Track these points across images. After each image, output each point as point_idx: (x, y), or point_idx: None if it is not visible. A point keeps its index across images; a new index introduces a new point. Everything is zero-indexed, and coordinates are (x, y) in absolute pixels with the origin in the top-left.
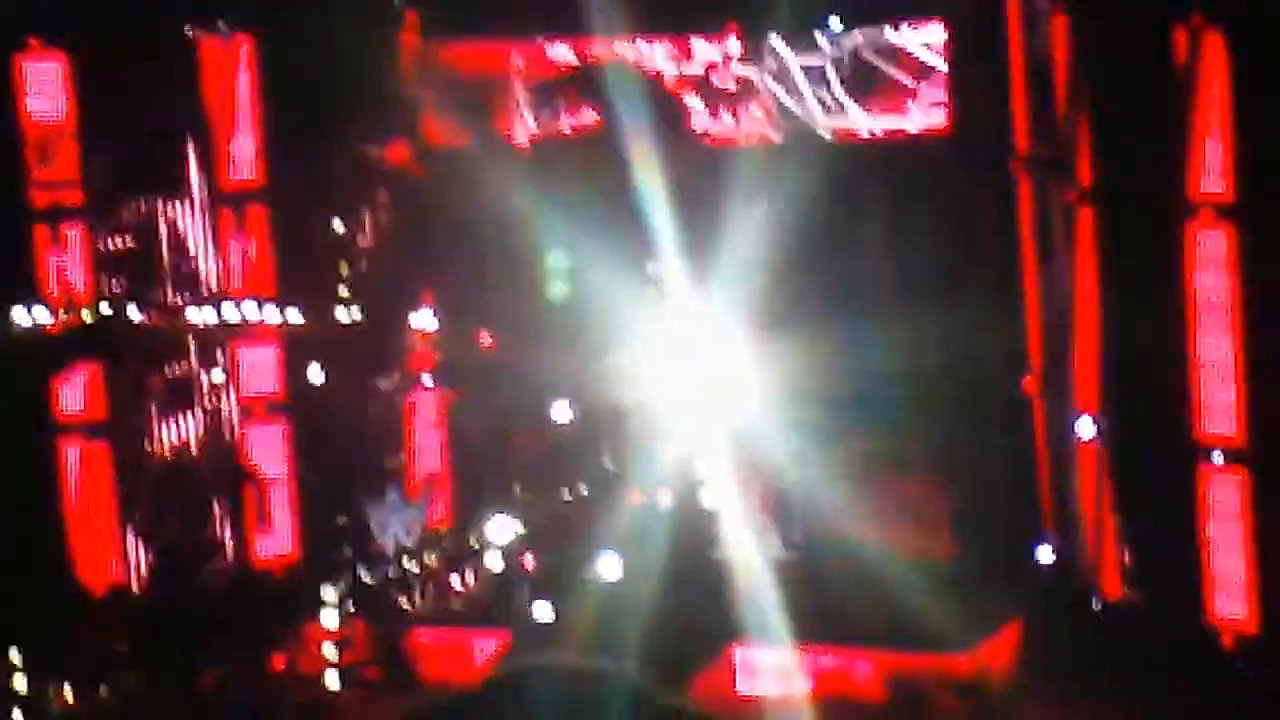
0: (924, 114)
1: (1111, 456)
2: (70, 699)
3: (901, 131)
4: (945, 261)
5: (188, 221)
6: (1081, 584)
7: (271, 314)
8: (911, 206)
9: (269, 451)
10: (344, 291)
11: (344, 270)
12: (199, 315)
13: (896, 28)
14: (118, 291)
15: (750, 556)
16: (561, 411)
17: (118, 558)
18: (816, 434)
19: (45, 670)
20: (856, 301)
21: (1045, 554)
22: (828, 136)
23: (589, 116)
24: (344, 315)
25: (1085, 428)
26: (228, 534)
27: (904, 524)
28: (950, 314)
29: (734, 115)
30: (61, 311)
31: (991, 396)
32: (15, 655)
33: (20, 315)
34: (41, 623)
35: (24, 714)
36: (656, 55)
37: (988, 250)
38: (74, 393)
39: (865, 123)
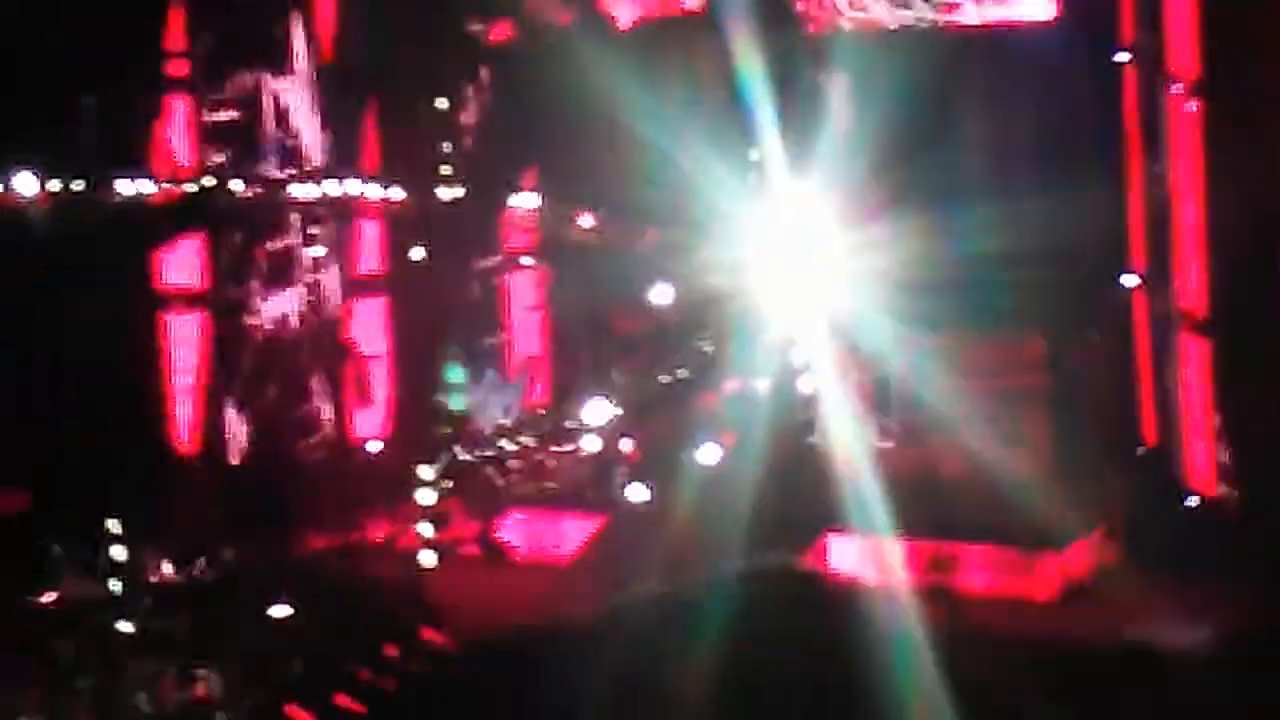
0: (1032, 2)
1: (1213, 352)
2: (168, 570)
3: (1008, 20)
4: (1049, 153)
5: (293, 96)
6: (1180, 479)
7: (374, 190)
8: (1016, 96)
9: (368, 328)
10: (446, 169)
11: (446, 148)
12: (302, 190)
13: None
14: (222, 164)
15: (849, 444)
16: (661, 295)
17: (217, 430)
18: (916, 322)
19: (143, 541)
20: (958, 190)
21: (1144, 449)
22: (934, 23)
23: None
24: (445, 193)
25: (1185, 323)
26: (326, 409)
27: (1003, 414)
28: (1053, 206)
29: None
30: (166, 183)
31: (1092, 290)
32: (114, 526)
33: (124, 186)
34: (140, 494)
35: (123, 585)
36: None
37: (1092, 142)
38: (176, 264)
39: (972, 11)
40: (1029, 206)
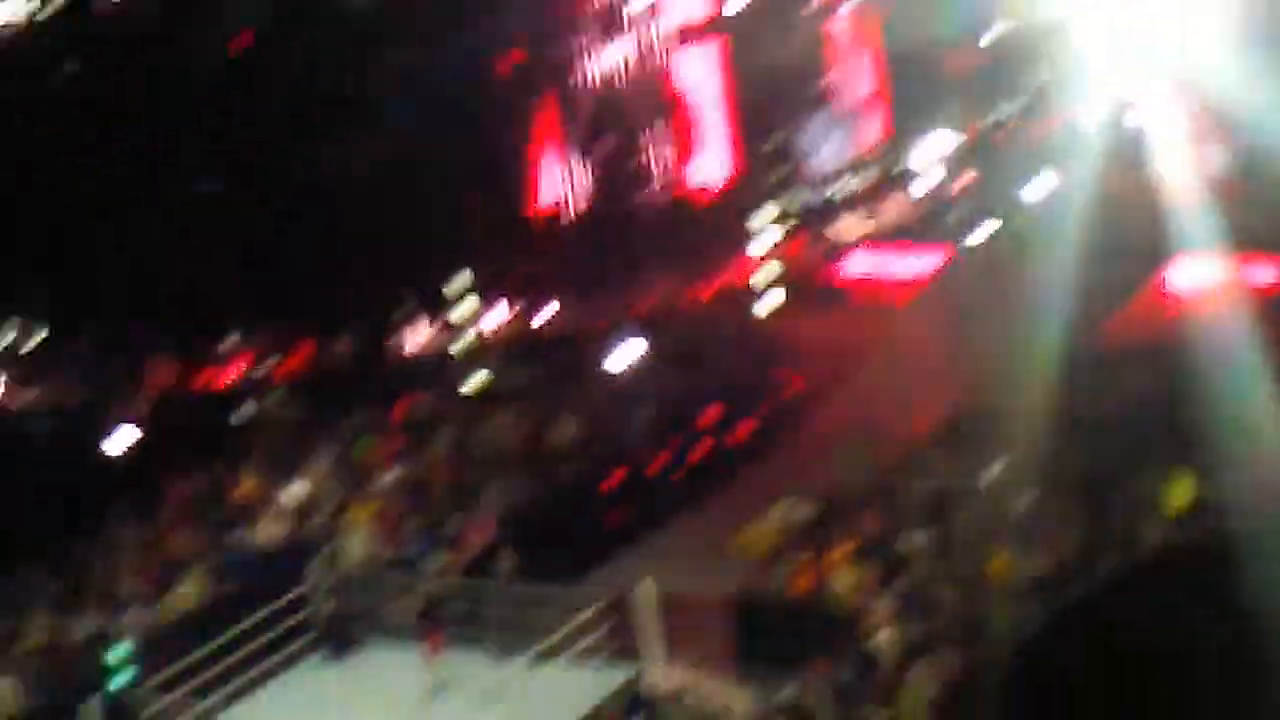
0: None
1: None
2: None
3: None
4: None
5: None
6: None
7: None
8: None
9: (700, 75)
10: None
11: None
12: None
13: None
14: None
15: (1187, 174)
16: (994, 29)
17: (554, 183)
18: (1255, 52)
19: (490, 290)
20: None
21: None
22: None
23: None
24: None
25: None
26: (662, 159)
27: None
28: None
29: None
30: None
31: None
32: (467, 277)
33: None
34: (486, 246)
35: (472, 339)
36: None
37: None
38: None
39: None
40: None
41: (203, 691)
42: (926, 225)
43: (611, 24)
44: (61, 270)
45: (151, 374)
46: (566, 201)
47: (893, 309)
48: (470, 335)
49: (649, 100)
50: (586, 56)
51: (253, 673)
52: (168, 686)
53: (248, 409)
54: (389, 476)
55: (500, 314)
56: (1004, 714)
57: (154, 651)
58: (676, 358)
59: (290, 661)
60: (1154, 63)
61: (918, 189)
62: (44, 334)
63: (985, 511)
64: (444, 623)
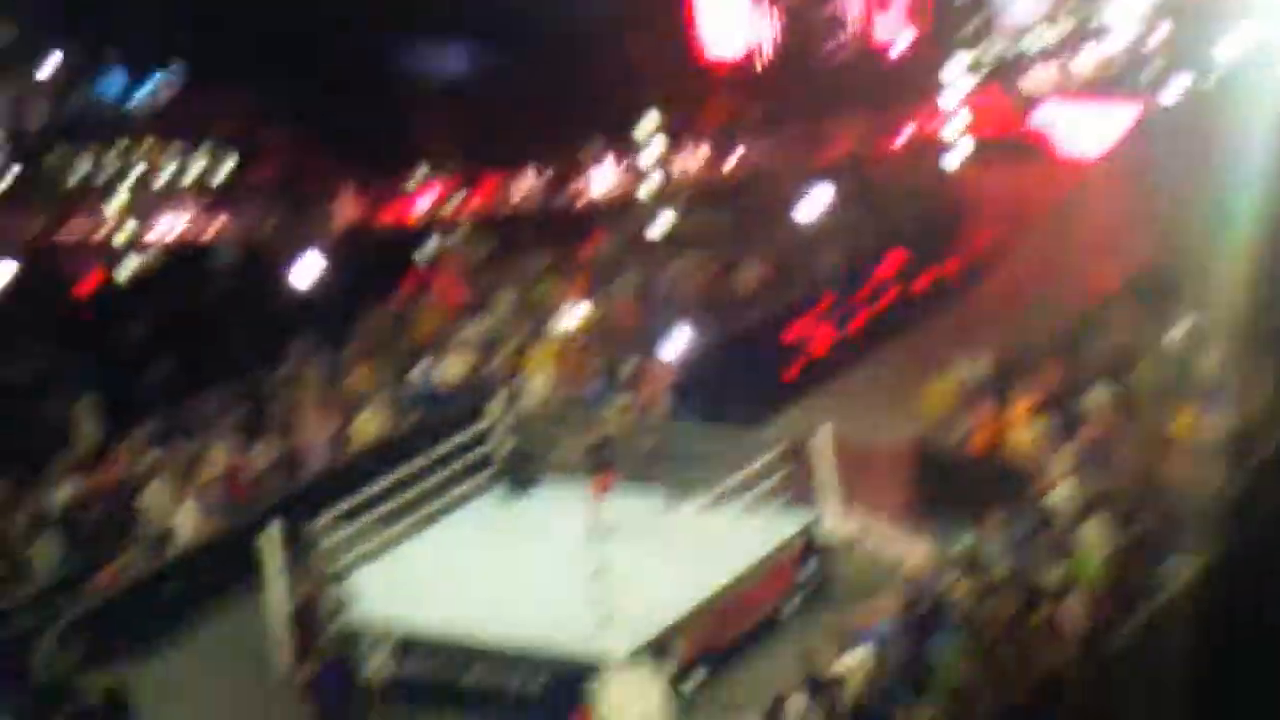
0: None
1: None
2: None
3: None
4: None
5: None
6: None
7: None
8: None
9: None
10: None
11: None
12: None
13: None
14: None
15: None
16: None
17: (748, 28)
18: None
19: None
20: None
21: None
22: None
23: None
24: None
25: None
26: (852, 9)
27: None
28: None
29: None
30: None
31: None
32: (655, 119)
33: None
34: (677, 90)
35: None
36: None
37: None
38: None
39: None
40: None
41: (382, 523)
42: (1121, 80)
43: None
44: (257, 93)
45: (339, 206)
46: (760, 48)
47: (1083, 163)
48: (657, 178)
49: None
50: None
51: (432, 507)
52: (349, 517)
53: (433, 244)
54: (571, 317)
55: (689, 158)
56: (1190, 569)
57: (336, 482)
58: (864, 207)
59: (468, 497)
60: None
61: (1113, 43)
62: (233, 162)
63: (1170, 369)
64: (619, 463)
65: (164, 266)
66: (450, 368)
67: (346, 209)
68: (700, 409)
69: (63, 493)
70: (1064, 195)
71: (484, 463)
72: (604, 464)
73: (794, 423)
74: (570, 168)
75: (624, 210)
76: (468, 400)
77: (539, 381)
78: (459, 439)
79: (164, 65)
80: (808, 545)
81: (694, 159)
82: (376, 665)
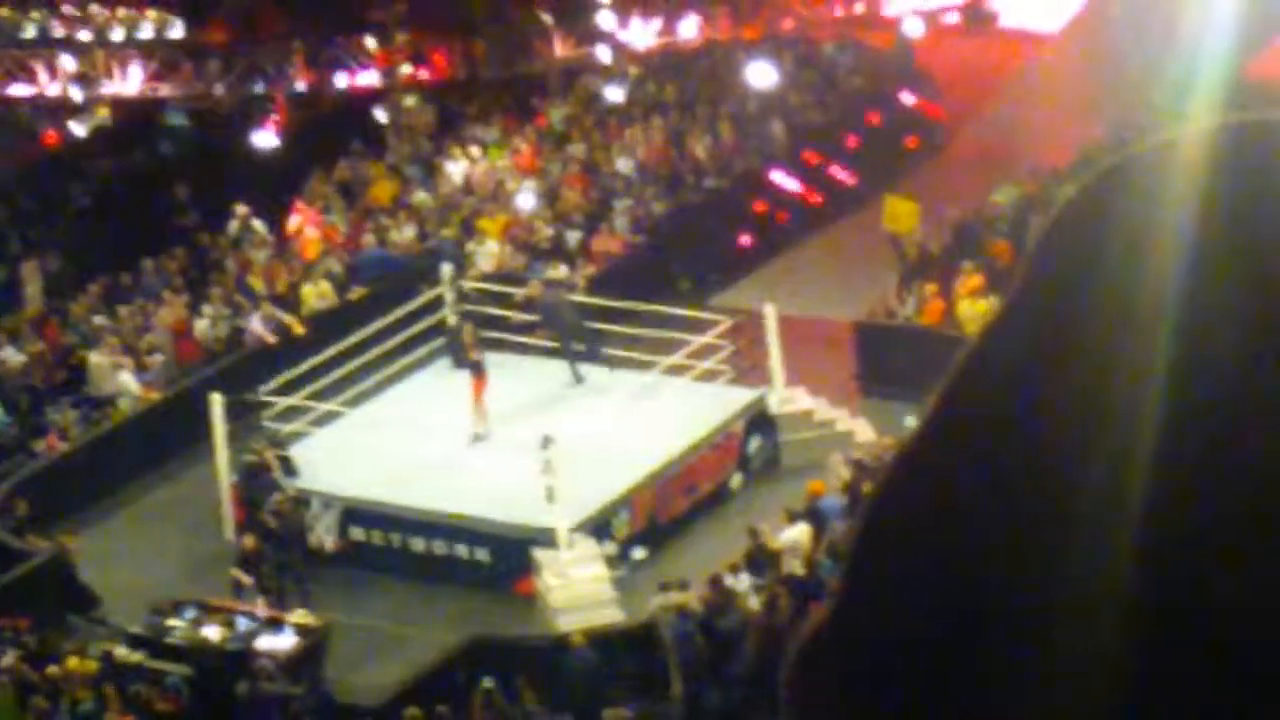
0: None
1: None
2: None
3: None
4: None
5: None
6: None
7: None
8: None
9: None
10: None
11: None
12: None
13: None
14: None
15: None
16: None
17: None
18: None
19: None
20: None
21: None
22: None
23: None
24: None
25: None
26: None
27: None
28: None
29: None
30: None
31: None
32: None
33: None
34: None
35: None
36: None
37: None
38: None
39: None
40: None
41: (330, 391)
42: None
43: None
44: None
45: (290, 71)
46: None
47: (1042, 35)
48: (609, 48)
49: None
50: None
51: (380, 375)
52: (296, 384)
53: (384, 112)
54: (522, 187)
55: (641, 27)
56: None
57: (283, 348)
58: (818, 77)
59: (418, 365)
60: None
61: None
62: (180, 26)
63: None
64: (562, 336)
65: (113, 128)
66: (399, 234)
67: (298, 74)
68: (651, 282)
69: (7, 355)
70: (1021, 67)
71: (433, 331)
72: (550, 333)
73: (745, 297)
74: (522, 35)
75: (575, 78)
76: (416, 267)
77: (488, 251)
78: (409, 306)
79: None
80: (755, 420)
81: (647, 27)
82: (321, 532)
